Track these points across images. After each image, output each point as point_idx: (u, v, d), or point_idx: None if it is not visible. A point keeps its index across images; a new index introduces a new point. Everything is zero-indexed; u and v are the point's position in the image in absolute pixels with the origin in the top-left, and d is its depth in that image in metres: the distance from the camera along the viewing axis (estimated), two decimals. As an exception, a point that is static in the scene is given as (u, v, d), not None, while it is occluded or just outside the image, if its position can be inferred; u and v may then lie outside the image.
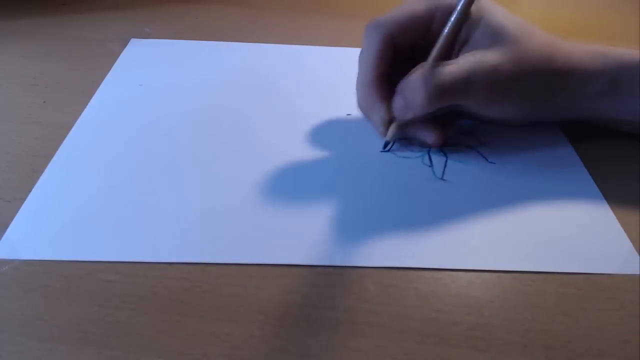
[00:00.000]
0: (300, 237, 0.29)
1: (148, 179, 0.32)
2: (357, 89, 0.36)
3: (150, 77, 0.43)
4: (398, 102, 0.33)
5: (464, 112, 0.35)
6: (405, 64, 0.33)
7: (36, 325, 0.24)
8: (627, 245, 0.29)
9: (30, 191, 0.31)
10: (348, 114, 0.39)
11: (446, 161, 0.34)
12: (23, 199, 0.31)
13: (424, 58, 0.32)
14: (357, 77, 0.36)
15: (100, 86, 0.41)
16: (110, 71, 0.43)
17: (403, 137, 0.36)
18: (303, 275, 0.27)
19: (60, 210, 0.30)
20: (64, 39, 0.48)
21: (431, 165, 0.34)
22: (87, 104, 0.39)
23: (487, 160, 0.35)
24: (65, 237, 0.28)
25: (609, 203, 0.32)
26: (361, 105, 0.36)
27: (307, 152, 0.35)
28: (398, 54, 0.34)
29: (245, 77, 0.43)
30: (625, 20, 0.53)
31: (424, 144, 0.35)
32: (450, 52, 0.33)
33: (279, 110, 0.39)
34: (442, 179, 0.33)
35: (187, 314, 0.25)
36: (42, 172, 0.33)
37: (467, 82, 0.31)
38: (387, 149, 0.35)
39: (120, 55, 0.45)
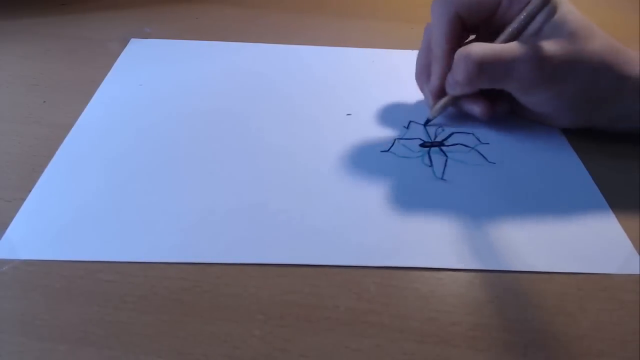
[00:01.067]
0: (300, 237, 0.29)
1: (148, 179, 0.32)
2: (419, 58, 0.38)
3: (150, 77, 0.43)
4: (450, 77, 0.34)
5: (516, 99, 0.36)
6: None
7: (36, 325, 0.24)
8: (627, 245, 0.29)
9: (30, 191, 0.31)
10: (348, 114, 0.39)
11: (446, 161, 0.34)
12: (23, 199, 0.31)
13: (486, 41, 0.33)
14: (421, 49, 0.37)
15: (100, 86, 0.41)
16: (110, 71, 0.43)
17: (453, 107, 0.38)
18: (303, 275, 0.27)
19: (60, 210, 0.30)
20: (64, 39, 0.48)
21: (431, 165, 0.34)
22: (87, 104, 0.39)
23: (487, 160, 0.35)
24: (65, 237, 0.28)
25: (609, 203, 0.32)
26: (418, 76, 0.38)
27: (306, 152, 0.35)
28: (466, 32, 0.35)
29: (245, 77, 0.43)
30: (625, 20, 0.53)
31: (473, 118, 0.37)
32: (519, 38, 0.33)
33: (278, 110, 0.39)
34: (442, 179, 0.33)
35: (187, 314, 0.25)
36: (42, 172, 0.33)
37: (510, 64, 0.31)
38: (428, 123, 0.37)
39: (120, 55, 0.45)
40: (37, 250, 0.28)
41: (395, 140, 0.36)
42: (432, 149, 0.35)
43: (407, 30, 0.52)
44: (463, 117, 0.38)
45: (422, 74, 0.38)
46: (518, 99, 0.35)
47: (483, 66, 0.32)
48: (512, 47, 0.32)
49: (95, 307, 0.25)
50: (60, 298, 0.25)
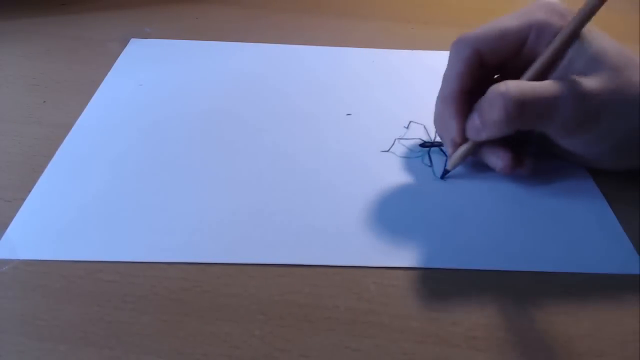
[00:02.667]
0: (300, 237, 0.29)
1: (148, 179, 0.32)
2: (436, 104, 0.33)
3: (150, 77, 0.43)
4: (473, 120, 0.30)
5: (545, 143, 0.32)
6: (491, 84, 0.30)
7: (36, 325, 0.24)
8: (627, 245, 0.29)
9: (30, 191, 0.31)
10: (348, 114, 0.39)
11: (446, 161, 0.34)
12: (23, 199, 0.31)
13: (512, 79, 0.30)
14: (439, 93, 0.33)
15: (100, 86, 0.41)
16: (110, 71, 0.43)
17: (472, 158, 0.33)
18: (303, 275, 0.27)
19: (60, 210, 0.30)
20: (64, 39, 0.48)
21: (431, 165, 0.34)
22: (87, 104, 0.39)
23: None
24: (65, 237, 0.28)
25: (609, 203, 0.32)
26: (436, 122, 0.34)
27: (306, 152, 0.35)
28: (485, 74, 0.32)
29: (245, 77, 0.43)
30: (625, 20, 0.53)
31: (493, 170, 0.33)
32: (547, 76, 0.30)
33: (278, 110, 0.39)
34: (441, 178, 0.33)
35: (187, 314, 0.25)
36: (42, 172, 0.33)
37: (553, 103, 0.28)
38: (444, 177, 0.33)
39: (120, 55, 0.45)
40: (37, 250, 0.28)
41: (395, 140, 0.36)
42: (432, 149, 0.35)
43: (407, 30, 0.52)
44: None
45: (439, 120, 0.33)
46: (557, 143, 0.31)
47: (523, 105, 0.28)
48: (552, 84, 0.29)
49: (96, 307, 0.25)
50: (60, 298, 0.25)
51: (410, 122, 0.38)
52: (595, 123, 0.29)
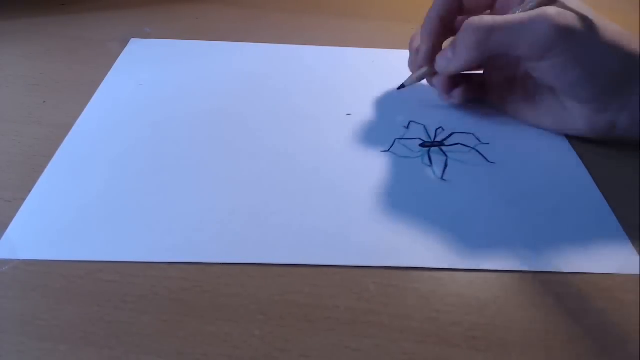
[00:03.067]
0: (300, 237, 0.29)
1: (148, 179, 0.32)
2: (413, 37, 0.40)
3: (151, 77, 0.43)
4: (444, 52, 0.35)
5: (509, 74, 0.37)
6: None
7: (36, 325, 0.24)
8: (627, 245, 0.29)
9: (30, 191, 0.31)
10: (348, 114, 0.39)
11: (446, 161, 0.34)
12: (23, 199, 0.31)
13: None
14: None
15: (100, 86, 0.41)
16: (110, 71, 0.43)
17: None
18: (303, 275, 0.27)
19: (60, 210, 0.30)
20: (64, 39, 0.48)
21: (431, 165, 0.34)
22: (87, 104, 0.39)
23: (487, 160, 0.35)
24: (66, 237, 0.28)
25: (609, 203, 0.32)
26: (410, 42, 0.40)
27: (306, 152, 0.35)
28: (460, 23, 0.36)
29: (245, 77, 0.43)
30: (625, 20, 0.53)
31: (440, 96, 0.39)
32: None
33: (278, 110, 0.39)
34: (442, 179, 0.33)
35: (187, 314, 0.25)
36: (42, 172, 0.33)
37: (525, 26, 0.31)
38: (400, 88, 0.39)
39: (120, 55, 0.45)
40: (37, 250, 0.28)
41: (395, 140, 0.36)
42: (432, 149, 0.35)
43: (407, 30, 0.51)
44: (463, 118, 0.38)
45: (414, 39, 0.39)
46: (529, 69, 0.34)
47: (493, 28, 0.32)
48: (521, 13, 0.32)
49: (96, 307, 0.25)
50: (60, 298, 0.25)
51: (410, 122, 0.38)
52: (564, 45, 0.31)
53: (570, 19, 0.31)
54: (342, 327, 0.25)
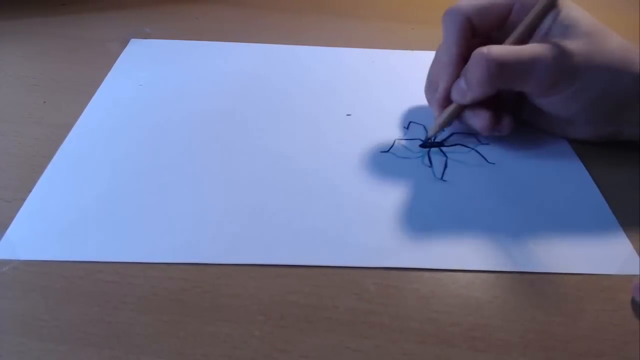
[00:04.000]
0: (300, 237, 0.29)
1: (148, 179, 0.32)
2: (430, 71, 0.37)
3: (151, 77, 0.43)
4: (458, 83, 0.33)
5: (525, 106, 0.36)
6: None
7: (36, 325, 0.24)
8: (627, 245, 0.29)
9: (30, 191, 0.31)
10: (348, 114, 0.39)
11: (446, 161, 0.34)
12: (23, 199, 0.31)
13: None
14: (432, 62, 0.37)
15: (100, 86, 0.41)
16: (110, 71, 0.43)
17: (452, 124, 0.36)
18: (303, 275, 0.27)
19: (60, 210, 0.30)
20: (64, 39, 0.48)
21: (431, 166, 0.34)
22: (87, 104, 0.39)
23: (487, 160, 0.35)
24: (66, 238, 0.28)
25: (608, 203, 0.32)
26: (428, 87, 0.37)
27: (306, 153, 0.35)
28: (473, 46, 0.33)
29: (245, 77, 0.43)
30: (625, 20, 0.53)
31: (474, 132, 0.36)
32: (526, 43, 0.33)
33: (278, 110, 0.39)
34: (442, 179, 0.33)
35: (187, 314, 0.25)
36: (42, 172, 0.33)
37: (532, 63, 0.31)
38: (425, 143, 0.36)
39: (120, 55, 0.45)
40: (37, 250, 0.28)
41: (395, 140, 0.36)
42: (432, 149, 0.35)
43: (407, 30, 0.52)
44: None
45: (432, 87, 0.37)
46: (536, 103, 0.34)
47: (503, 65, 0.31)
48: (531, 47, 0.31)
49: (96, 307, 0.25)
50: (60, 298, 0.25)
51: (410, 122, 0.38)
52: (570, 82, 0.32)
53: (575, 51, 0.31)
54: (342, 328, 0.25)
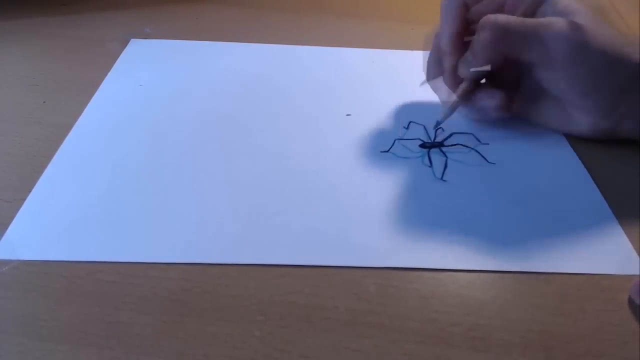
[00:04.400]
0: (300, 237, 0.29)
1: (148, 179, 0.32)
2: (430, 55, 0.38)
3: (151, 77, 0.43)
4: (466, 54, 0.34)
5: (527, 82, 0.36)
6: None
7: (36, 325, 0.24)
8: (627, 245, 0.29)
9: (30, 191, 0.31)
10: (348, 114, 0.39)
11: (446, 161, 0.34)
12: (23, 199, 0.31)
13: None
14: (430, 53, 0.38)
15: (100, 86, 0.41)
16: (110, 71, 0.43)
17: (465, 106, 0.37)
18: (303, 275, 0.27)
19: (60, 210, 0.30)
20: (64, 39, 0.48)
21: (431, 166, 0.34)
22: (87, 104, 0.39)
23: (487, 160, 0.35)
24: (66, 238, 0.28)
25: (609, 203, 0.32)
26: (431, 67, 0.38)
27: (306, 152, 0.35)
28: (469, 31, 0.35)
29: (245, 77, 0.43)
30: (625, 20, 0.53)
31: (487, 114, 0.36)
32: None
33: (278, 110, 0.39)
34: (442, 179, 0.33)
35: (187, 314, 0.25)
36: (42, 172, 0.33)
37: (538, 31, 0.32)
38: (438, 126, 0.36)
39: (120, 55, 0.45)
40: (37, 250, 0.28)
41: (395, 140, 0.36)
42: (432, 149, 0.35)
43: (407, 30, 0.52)
44: (463, 118, 0.38)
45: (434, 70, 0.37)
46: (540, 78, 0.34)
47: (508, 28, 0.32)
48: (540, 21, 0.32)
49: (96, 307, 0.25)
50: (60, 298, 0.25)
51: (410, 122, 0.38)
52: (581, 56, 0.32)
53: (582, 33, 0.31)
54: (342, 328, 0.25)
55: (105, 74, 0.43)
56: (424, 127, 0.37)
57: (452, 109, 0.36)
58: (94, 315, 0.25)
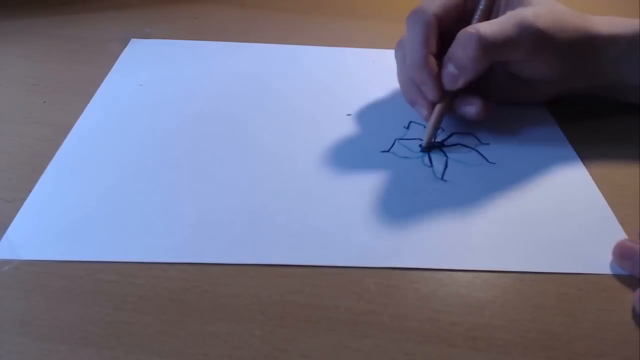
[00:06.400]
0: (300, 237, 0.29)
1: (148, 179, 0.32)
2: (401, 75, 0.37)
3: (151, 77, 0.43)
4: (447, 70, 0.34)
5: (500, 75, 0.37)
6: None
7: (36, 325, 0.24)
8: (627, 245, 0.29)
9: (30, 191, 0.31)
10: (348, 114, 0.39)
11: (446, 161, 0.34)
12: (23, 199, 0.31)
13: None
14: (400, 66, 0.37)
15: (101, 86, 0.41)
16: (110, 71, 0.43)
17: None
18: (303, 275, 0.27)
19: (60, 210, 0.30)
20: (64, 39, 0.48)
21: (431, 166, 0.34)
22: (87, 104, 0.39)
23: (487, 160, 0.35)
24: (66, 237, 0.28)
25: (608, 203, 0.32)
26: (408, 90, 0.37)
27: (306, 153, 0.35)
28: (441, 39, 0.35)
29: (245, 77, 0.43)
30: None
31: (468, 121, 0.36)
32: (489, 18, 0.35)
33: (278, 110, 0.39)
34: (442, 179, 0.33)
35: (188, 314, 0.25)
36: (42, 172, 0.33)
37: (516, 33, 0.33)
38: (425, 149, 0.35)
39: (120, 55, 0.45)
40: (37, 250, 0.28)
41: (395, 140, 0.36)
42: (432, 149, 0.35)
43: (407, 30, 0.51)
44: (463, 118, 0.38)
45: (411, 89, 0.36)
46: (516, 70, 0.36)
47: (493, 40, 0.32)
48: (508, 18, 0.33)
49: (96, 307, 0.25)
50: (60, 298, 0.25)
51: (410, 122, 0.38)
52: (550, 42, 0.34)
53: (542, 20, 0.33)
54: (342, 328, 0.25)
55: (105, 74, 0.43)
56: (424, 127, 0.37)
57: (434, 130, 0.35)
58: (94, 315, 0.25)
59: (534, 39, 0.33)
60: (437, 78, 0.34)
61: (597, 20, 0.36)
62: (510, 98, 0.39)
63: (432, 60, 0.34)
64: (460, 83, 0.34)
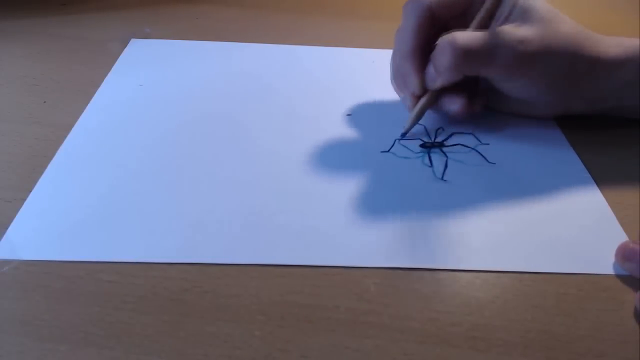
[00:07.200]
0: (300, 237, 0.29)
1: (148, 179, 0.32)
2: (393, 61, 0.38)
3: (151, 77, 0.43)
4: (429, 70, 0.35)
5: (493, 88, 0.37)
6: None
7: (36, 325, 0.24)
8: (627, 245, 0.29)
9: (30, 191, 0.31)
10: (348, 114, 0.39)
11: (446, 161, 0.34)
12: (23, 199, 0.31)
13: None
14: (393, 51, 0.37)
15: (101, 86, 0.41)
16: (110, 71, 0.43)
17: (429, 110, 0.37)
18: (303, 275, 0.27)
19: (60, 210, 0.30)
20: (64, 39, 0.48)
21: (431, 166, 0.34)
22: (87, 104, 0.39)
23: (487, 160, 0.35)
24: (66, 238, 0.28)
25: (608, 203, 0.32)
26: (395, 77, 0.37)
27: (306, 153, 0.35)
28: (436, 30, 0.35)
29: (245, 77, 0.43)
30: (625, 20, 0.53)
31: (451, 117, 0.37)
32: (486, 27, 0.34)
33: (278, 110, 0.39)
34: (442, 179, 0.33)
35: (188, 314, 0.25)
36: (42, 172, 0.33)
37: (493, 50, 0.33)
38: (404, 137, 0.36)
39: (120, 55, 0.45)
40: (37, 250, 0.28)
41: (395, 140, 0.36)
42: (432, 149, 0.35)
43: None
44: (463, 118, 0.38)
45: (398, 77, 0.37)
46: (498, 86, 0.36)
47: (468, 52, 0.32)
48: (493, 34, 0.33)
49: (96, 307, 0.25)
50: (60, 298, 0.25)
51: None
52: (530, 66, 0.33)
53: (533, 37, 0.33)
54: (342, 328, 0.25)
55: (105, 74, 0.43)
56: (424, 127, 0.37)
57: (414, 121, 0.36)
58: (94, 315, 0.25)
59: (513, 59, 0.33)
60: (421, 72, 0.35)
61: (605, 42, 0.35)
62: (510, 110, 0.38)
63: (420, 53, 0.35)
64: (437, 85, 0.35)
